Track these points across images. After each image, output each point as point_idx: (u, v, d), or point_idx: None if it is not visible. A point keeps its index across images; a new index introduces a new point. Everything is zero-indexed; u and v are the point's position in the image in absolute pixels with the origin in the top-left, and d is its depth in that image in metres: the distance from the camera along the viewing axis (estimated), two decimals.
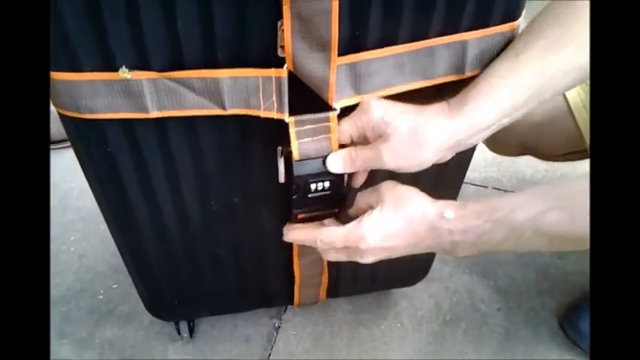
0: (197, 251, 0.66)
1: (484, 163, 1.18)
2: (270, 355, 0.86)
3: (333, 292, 0.80)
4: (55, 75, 0.45)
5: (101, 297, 0.94)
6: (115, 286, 0.95)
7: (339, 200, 0.55)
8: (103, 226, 1.01)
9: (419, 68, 0.50)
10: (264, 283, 0.75)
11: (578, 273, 0.98)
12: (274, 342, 0.87)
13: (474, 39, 0.50)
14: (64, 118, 0.49)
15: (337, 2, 0.43)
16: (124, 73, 0.45)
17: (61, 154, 1.16)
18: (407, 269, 0.82)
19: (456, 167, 0.66)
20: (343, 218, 0.56)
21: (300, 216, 0.56)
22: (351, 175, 0.56)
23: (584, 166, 1.16)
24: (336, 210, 0.57)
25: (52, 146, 1.13)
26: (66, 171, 1.14)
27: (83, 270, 0.98)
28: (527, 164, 1.18)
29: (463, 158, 0.66)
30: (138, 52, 0.44)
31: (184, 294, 0.74)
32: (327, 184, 0.53)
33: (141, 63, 0.45)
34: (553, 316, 0.92)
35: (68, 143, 1.13)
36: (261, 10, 0.43)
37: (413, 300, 0.94)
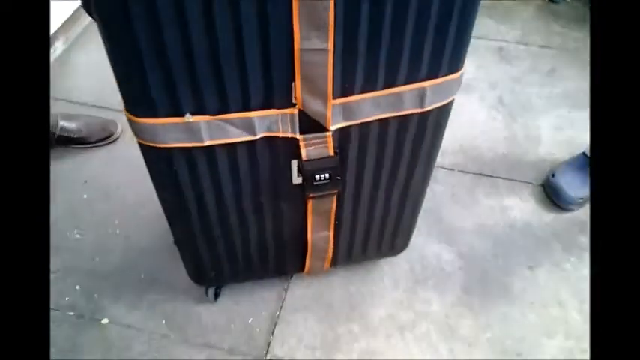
0: (232, 235, 0.88)
1: (452, 149, 1.40)
2: (281, 308, 1.09)
3: (334, 262, 1.04)
4: (140, 120, 0.66)
5: (145, 270, 1.15)
6: (156, 261, 1.17)
7: (336, 185, 0.79)
8: (143, 212, 1.24)
9: (391, 105, 0.72)
10: (282, 257, 0.98)
11: (525, 237, 1.21)
12: (284, 300, 1.11)
13: (430, 85, 0.71)
14: (143, 146, 0.71)
15: (332, 68, 0.64)
16: (188, 118, 0.66)
17: (96, 152, 1.36)
18: (391, 242, 1.05)
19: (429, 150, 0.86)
20: None
21: (310, 196, 0.80)
22: (345, 167, 0.79)
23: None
24: (335, 191, 0.81)
25: (90, 146, 1.33)
26: (102, 166, 1.34)
27: (129, 249, 1.19)
28: (490, 149, 1.40)
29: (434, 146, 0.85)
30: (197, 103, 0.65)
31: (220, 266, 0.97)
32: (326, 175, 0.76)
33: (199, 109, 0.66)
34: (505, 275, 1.15)
35: (103, 143, 1.34)
36: (281, 75, 0.64)
37: (393, 265, 1.17)
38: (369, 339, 1.05)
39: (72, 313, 1.08)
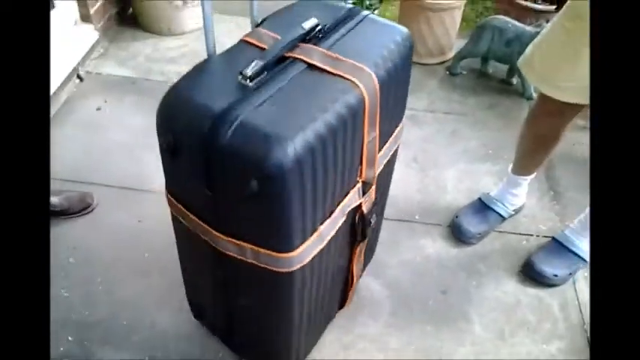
0: (316, 309, 1.07)
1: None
2: None
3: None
4: (279, 254, 0.84)
5: (127, 318, 1.29)
6: (135, 309, 1.31)
7: (380, 221, 1.08)
8: (121, 269, 1.43)
9: (388, 149, 1.05)
10: (333, 304, 1.21)
11: (437, 268, 1.46)
12: None
13: (399, 128, 1.08)
14: (274, 272, 0.87)
15: (378, 145, 0.95)
16: (320, 229, 0.87)
17: (78, 221, 1.50)
18: (372, 249, 1.33)
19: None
20: None
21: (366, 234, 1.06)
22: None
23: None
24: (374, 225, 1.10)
25: (73, 216, 1.51)
26: (84, 233, 1.46)
27: (112, 301, 1.31)
28: (407, 198, 1.64)
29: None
30: (324, 215, 0.88)
31: (299, 345, 1.11)
32: (375, 215, 1.06)
33: (323, 219, 0.88)
34: (423, 299, 1.38)
35: (83, 213, 1.54)
36: (355, 165, 0.92)
37: None
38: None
39: None
